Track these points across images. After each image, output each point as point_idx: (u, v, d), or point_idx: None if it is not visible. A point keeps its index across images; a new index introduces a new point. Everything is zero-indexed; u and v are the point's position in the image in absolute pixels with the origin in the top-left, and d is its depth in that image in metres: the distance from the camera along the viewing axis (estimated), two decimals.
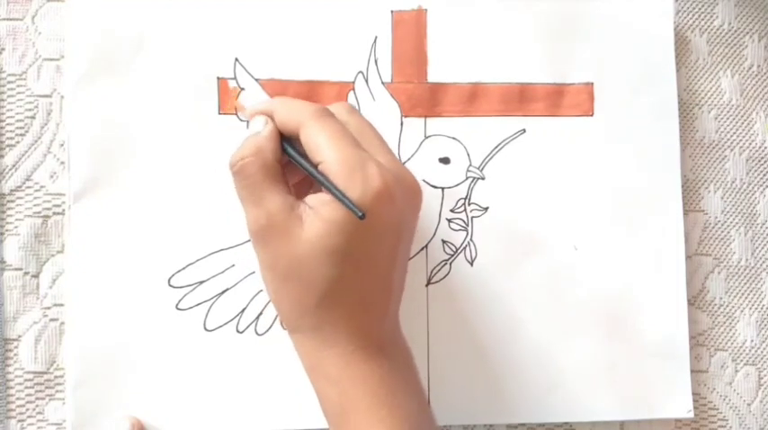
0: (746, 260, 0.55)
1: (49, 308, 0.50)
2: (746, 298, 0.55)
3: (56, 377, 0.50)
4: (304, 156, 0.42)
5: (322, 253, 0.40)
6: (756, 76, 0.56)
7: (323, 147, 0.41)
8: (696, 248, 0.55)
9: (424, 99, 0.52)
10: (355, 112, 0.45)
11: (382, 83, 0.52)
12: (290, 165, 0.44)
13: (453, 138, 0.52)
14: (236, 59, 0.51)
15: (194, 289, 0.50)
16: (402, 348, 0.45)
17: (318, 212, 0.40)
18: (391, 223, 0.41)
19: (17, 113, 0.50)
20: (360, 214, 0.39)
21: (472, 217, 0.52)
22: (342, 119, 0.43)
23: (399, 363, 0.44)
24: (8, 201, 0.50)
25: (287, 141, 0.43)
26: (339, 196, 0.39)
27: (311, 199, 0.41)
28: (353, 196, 0.39)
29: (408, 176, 0.43)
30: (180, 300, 0.50)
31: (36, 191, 0.50)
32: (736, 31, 0.56)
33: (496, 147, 0.53)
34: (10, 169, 0.50)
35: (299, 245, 0.40)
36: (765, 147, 0.56)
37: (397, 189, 0.41)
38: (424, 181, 0.52)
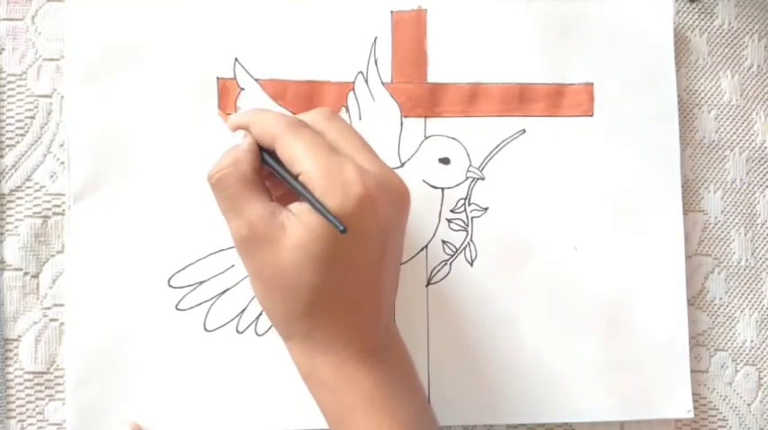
0: (746, 260, 0.55)
1: (49, 308, 0.50)
2: (746, 298, 0.55)
3: (56, 377, 0.50)
4: (284, 168, 0.42)
5: (306, 260, 0.40)
6: (756, 76, 0.56)
7: (299, 157, 0.40)
8: (696, 248, 0.55)
9: (424, 99, 0.52)
10: (335, 118, 0.44)
11: (382, 83, 0.52)
12: (273, 179, 0.44)
13: (453, 139, 0.52)
14: (236, 59, 0.51)
15: (194, 289, 0.50)
16: (398, 350, 0.45)
17: (301, 219, 0.40)
18: (375, 227, 0.41)
19: (17, 113, 0.50)
20: (341, 228, 0.38)
21: (472, 217, 0.52)
22: (320, 127, 0.43)
23: (395, 366, 0.44)
24: (8, 201, 0.50)
25: (268, 153, 0.43)
26: (320, 209, 0.39)
27: (295, 206, 0.41)
28: (334, 204, 0.39)
29: (393, 179, 0.43)
30: (180, 301, 0.50)
31: (36, 191, 0.50)
32: (736, 31, 0.56)
33: (496, 147, 0.53)
34: (10, 169, 0.50)
35: (282, 253, 0.40)
36: (765, 147, 0.56)
37: (378, 192, 0.40)
38: (423, 181, 0.52)
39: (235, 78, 0.51)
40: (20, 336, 0.50)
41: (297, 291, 0.41)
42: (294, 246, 0.40)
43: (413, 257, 0.52)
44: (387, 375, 0.42)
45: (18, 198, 0.50)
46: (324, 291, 0.41)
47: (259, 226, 0.40)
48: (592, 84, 0.53)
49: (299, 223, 0.40)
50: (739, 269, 0.55)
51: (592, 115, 0.53)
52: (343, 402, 0.42)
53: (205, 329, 0.50)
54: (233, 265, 0.50)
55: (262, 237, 0.40)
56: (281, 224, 0.40)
